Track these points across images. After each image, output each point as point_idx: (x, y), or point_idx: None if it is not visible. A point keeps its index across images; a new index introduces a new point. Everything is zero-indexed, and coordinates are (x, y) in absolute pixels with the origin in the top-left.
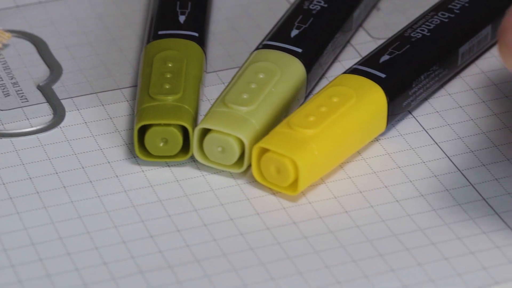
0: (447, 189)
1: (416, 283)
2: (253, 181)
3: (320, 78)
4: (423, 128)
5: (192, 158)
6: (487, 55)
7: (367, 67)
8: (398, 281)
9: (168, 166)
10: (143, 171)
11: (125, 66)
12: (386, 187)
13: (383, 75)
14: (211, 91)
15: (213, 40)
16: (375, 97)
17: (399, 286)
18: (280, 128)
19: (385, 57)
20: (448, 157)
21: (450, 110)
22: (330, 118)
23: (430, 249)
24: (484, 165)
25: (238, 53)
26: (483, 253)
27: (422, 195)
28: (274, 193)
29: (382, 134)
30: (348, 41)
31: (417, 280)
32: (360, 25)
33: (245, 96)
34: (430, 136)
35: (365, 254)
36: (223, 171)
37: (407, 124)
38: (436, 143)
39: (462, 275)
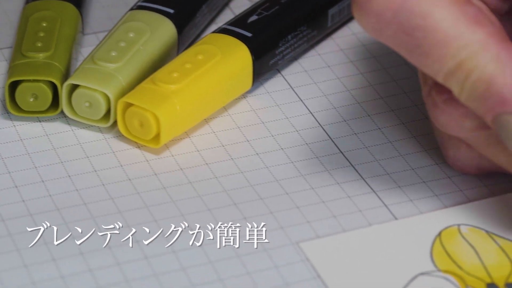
0: (306, 143)
1: (268, 230)
2: (120, 135)
3: (195, 39)
4: (290, 86)
5: (63, 113)
6: None
7: (235, 27)
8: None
9: (39, 121)
10: (14, 125)
11: (7, 27)
12: (248, 141)
13: (249, 35)
14: (89, 51)
15: (95, 3)
16: (240, 55)
17: (253, 233)
18: (144, 84)
19: (253, 18)
20: (311, 113)
21: (318, 70)
22: (193, 74)
23: (284, 198)
24: (345, 121)
25: (118, 16)
26: (334, 202)
27: (282, 148)
28: (139, 146)
29: (250, 91)
30: (227, 4)
31: (269, 228)
32: None
33: (113, 54)
34: (296, 94)
35: (220, 203)
36: (92, 125)
37: (275, 82)
38: (301, 100)
39: (311, 222)
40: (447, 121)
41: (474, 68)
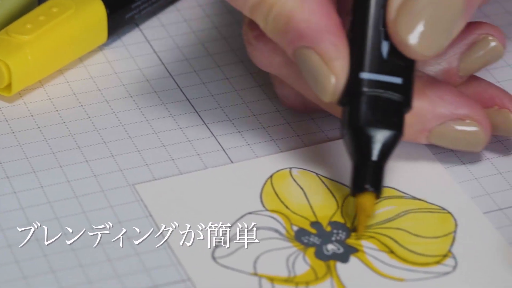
0: (155, 91)
1: (106, 172)
2: None
3: None
4: (146, 39)
5: None
6: None
7: None
8: (91, 171)
9: None
10: None
11: None
12: (99, 90)
13: None
14: None
15: None
16: (94, 9)
17: (91, 174)
18: None
19: None
20: (163, 64)
21: (175, 24)
22: (46, 26)
23: (126, 142)
24: (195, 71)
25: None
26: (175, 146)
27: (130, 96)
28: None
29: (106, 44)
30: None
31: (108, 170)
32: None
33: None
34: (151, 46)
35: (65, 147)
36: None
37: (132, 36)
38: (155, 52)
39: (150, 165)
40: (259, 56)
41: (275, 2)
